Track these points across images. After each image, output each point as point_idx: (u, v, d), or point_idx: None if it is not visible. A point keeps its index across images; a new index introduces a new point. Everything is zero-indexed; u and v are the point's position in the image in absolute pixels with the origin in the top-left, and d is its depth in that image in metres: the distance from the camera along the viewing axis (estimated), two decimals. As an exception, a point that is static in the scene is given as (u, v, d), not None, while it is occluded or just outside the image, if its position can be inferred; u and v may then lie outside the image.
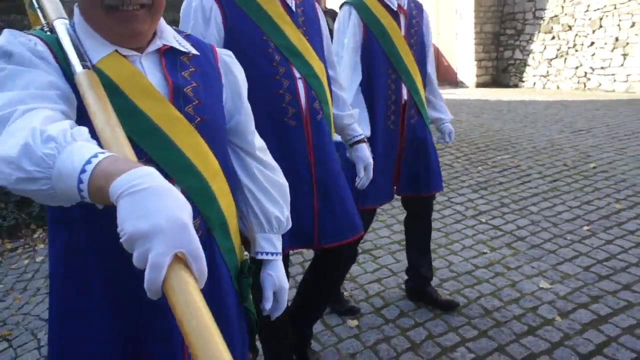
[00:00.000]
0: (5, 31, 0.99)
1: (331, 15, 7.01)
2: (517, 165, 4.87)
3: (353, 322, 2.56)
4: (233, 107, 1.23)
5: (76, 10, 1.05)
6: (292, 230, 1.45)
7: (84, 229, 1.01)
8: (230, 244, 1.20)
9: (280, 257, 1.37)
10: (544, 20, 10.44)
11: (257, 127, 1.43)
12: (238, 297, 1.23)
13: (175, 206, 0.66)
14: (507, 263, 3.04)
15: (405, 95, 2.29)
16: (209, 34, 1.55)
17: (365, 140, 2.02)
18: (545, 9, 10.38)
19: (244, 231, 1.35)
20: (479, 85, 11.27)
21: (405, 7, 2.24)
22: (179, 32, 1.19)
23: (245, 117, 1.26)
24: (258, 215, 1.31)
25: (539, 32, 10.55)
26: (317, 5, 1.82)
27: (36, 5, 1.08)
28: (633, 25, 8.74)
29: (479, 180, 4.54)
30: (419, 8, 2.37)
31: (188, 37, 1.19)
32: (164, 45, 1.09)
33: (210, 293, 1.09)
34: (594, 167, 4.60)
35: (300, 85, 1.65)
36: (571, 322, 2.40)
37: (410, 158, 2.37)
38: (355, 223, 1.84)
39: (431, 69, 2.46)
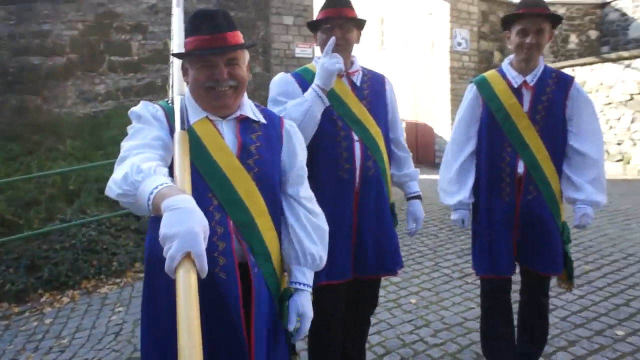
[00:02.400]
0: (141, 102, 1.49)
1: None
2: (495, 235, 5.29)
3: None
4: (289, 163, 1.62)
5: (187, 89, 1.52)
6: (329, 263, 1.73)
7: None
8: (271, 269, 1.53)
9: (309, 289, 1.61)
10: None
11: (320, 177, 1.90)
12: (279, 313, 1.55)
13: (193, 221, 1.05)
14: (493, 316, 3.35)
15: (520, 169, 2.26)
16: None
17: (420, 197, 2.34)
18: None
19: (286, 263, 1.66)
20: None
21: (532, 84, 2.25)
22: (258, 106, 1.63)
23: (296, 172, 1.63)
24: (297, 249, 1.59)
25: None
26: (386, 79, 2.24)
27: (169, 85, 1.56)
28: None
29: (462, 247, 4.93)
30: (561, 84, 2.27)
31: (263, 110, 1.63)
32: (241, 115, 1.54)
33: (251, 296, 1.45)
34: (564, 236, 5.06)
35: (357, 146, 2.05)
36: (552, 362, 2.71)
37: (526, 234, 2.29)
38: (384, 264, 2.14)
39: (578, 144, 2.25)
